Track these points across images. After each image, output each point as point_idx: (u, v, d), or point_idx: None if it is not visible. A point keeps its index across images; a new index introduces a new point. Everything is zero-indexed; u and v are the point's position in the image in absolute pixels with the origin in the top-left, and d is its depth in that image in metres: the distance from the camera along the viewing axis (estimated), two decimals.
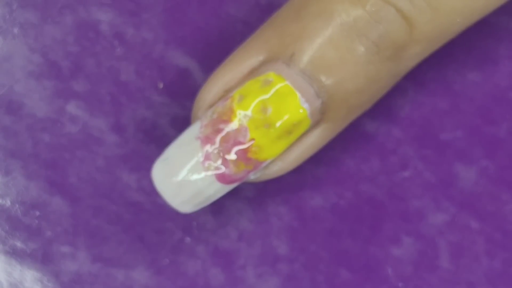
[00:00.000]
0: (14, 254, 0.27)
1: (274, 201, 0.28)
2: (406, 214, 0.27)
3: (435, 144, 0.28)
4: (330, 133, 0.25)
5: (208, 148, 0.24)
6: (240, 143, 0.24)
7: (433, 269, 0.27)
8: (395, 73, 0.25)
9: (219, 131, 0.23)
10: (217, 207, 0.27)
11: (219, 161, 0.24)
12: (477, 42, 0.28)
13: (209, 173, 0.24)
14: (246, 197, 0.28)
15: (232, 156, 0.24)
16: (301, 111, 0.23)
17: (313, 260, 0.27)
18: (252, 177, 0.25)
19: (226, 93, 0.24)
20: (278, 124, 0.23)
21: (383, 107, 0.28)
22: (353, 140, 0.28)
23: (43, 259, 0.27)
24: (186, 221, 0.27)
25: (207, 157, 0.24)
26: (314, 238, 0.27)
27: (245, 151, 0.24)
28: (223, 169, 0.24)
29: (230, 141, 0.23)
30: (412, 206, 0.27)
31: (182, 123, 0.28)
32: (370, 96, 0.25)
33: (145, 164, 0.28)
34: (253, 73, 0.24)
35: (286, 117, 0.23)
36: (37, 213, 0.27)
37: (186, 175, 0.24)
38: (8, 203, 0.27)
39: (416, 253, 0.27)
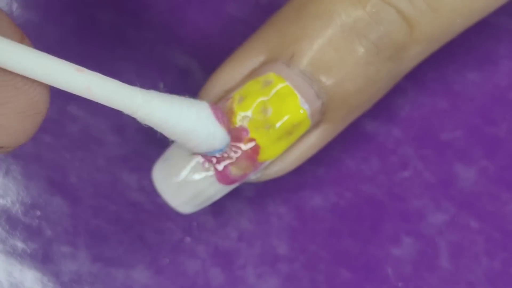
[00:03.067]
0: (15, 254, 0.27)
1: (274, 201, 0.28)
2: (406, 214, 0.27)
3: (435, 144, 0.28)
4: (330, 133, 0.25)
5: None
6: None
7: (433, 269, 0.27)
8: (395, 74, 0.25)
9: None
10: (217, 207, 0.27)
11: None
12: (477, 42, 0.28)
13: (209, 173, 0.24)
14: (246, 197, 0.28)
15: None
16: (301, 111, 0.23)
17: (313, 260, 0.27)
18: (253, 177, 0.25)
19: (226, 94, 0.24)
20: (278, 125, 0.23)
21: (383, 107, 0.28)
22: (353, 140, 0.28)
23: (43, 259, 0.27)
24: (186, 221, 0.27)
25: (207, 157, 0.24)
26: (314, 238, 0.27)
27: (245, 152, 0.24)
28: (222, 169, 0.24)
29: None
30: (412, 206, 0.27)
31: None
32: (370, 97, 0.25)
33: (145, 164, 0.28)
34: (253, 73, 0.24)
35: (286, 118, 0.23)
36: (38, 213, 0.27)
37: (187, 175, 0.24)
38: (8, 203, 0.27)
39: (416, 253, 0.27)
